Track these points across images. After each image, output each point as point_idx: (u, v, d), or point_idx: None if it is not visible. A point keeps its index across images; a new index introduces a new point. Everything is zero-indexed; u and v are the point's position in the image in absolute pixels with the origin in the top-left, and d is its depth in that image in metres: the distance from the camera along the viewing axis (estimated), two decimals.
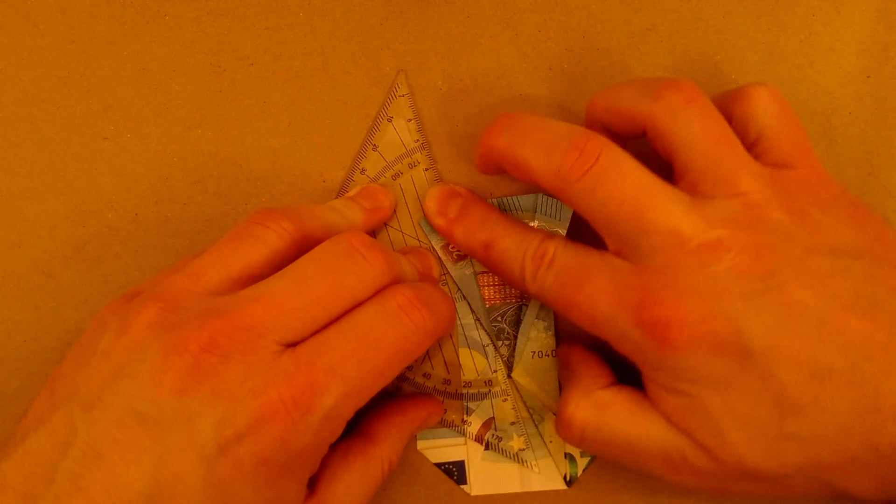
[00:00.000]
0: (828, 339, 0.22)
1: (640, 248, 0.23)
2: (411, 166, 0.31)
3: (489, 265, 0.28)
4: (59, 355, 0.30)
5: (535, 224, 0.29)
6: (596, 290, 0.24)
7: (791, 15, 0.32)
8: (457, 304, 0.30)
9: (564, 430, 0.26)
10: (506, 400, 0.29)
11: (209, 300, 0.23)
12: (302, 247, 0.25)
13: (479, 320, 0.30)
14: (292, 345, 0.22)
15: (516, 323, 0.30)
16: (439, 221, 0.29)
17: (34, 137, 0.31)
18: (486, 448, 0.29)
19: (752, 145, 0.26)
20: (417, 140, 0.31)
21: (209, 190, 0.31)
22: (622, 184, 0.23)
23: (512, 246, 0.27)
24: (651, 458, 0.25)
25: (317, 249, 0.24)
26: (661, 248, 0.23)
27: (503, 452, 0.29)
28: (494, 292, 0.30)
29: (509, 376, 0.30)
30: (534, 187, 0.29)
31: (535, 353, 0.30)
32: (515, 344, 0.30)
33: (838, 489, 0.23)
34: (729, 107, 0.26)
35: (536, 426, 0.29)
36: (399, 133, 0.31)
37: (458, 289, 0.30)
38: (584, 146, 0.24)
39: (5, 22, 0.31)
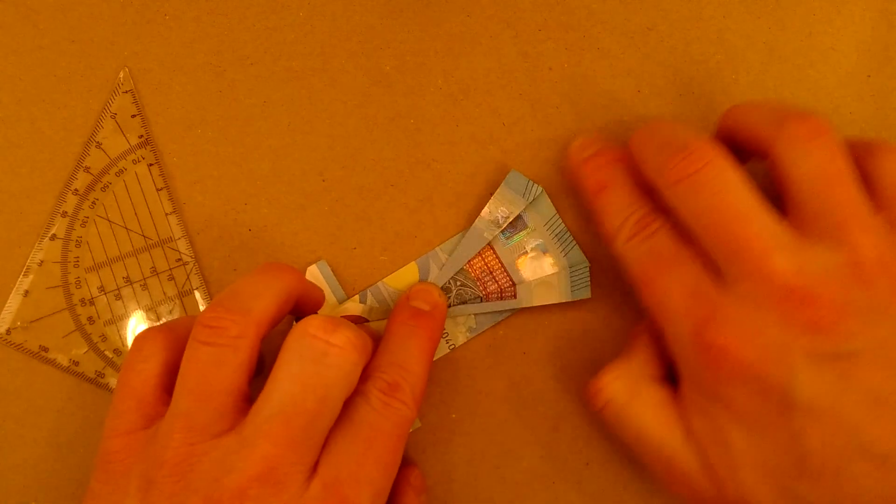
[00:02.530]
0: (881, 422, 0.21)
1: (727, 268, 0.23)
2: (135, 162, 0.31)
3: (594, 207, 0.27)
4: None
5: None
6: (675, 284, 0.24)
7: (791, 15, 0.32)
8: (451, 240, 0.30)
9: (592, 394, 0.26)
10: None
11: (216, 451, 0.22)
12: (262, 335, 0.25)
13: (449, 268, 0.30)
14: (314, 464, 0.23)
15: (460, 301, 0.30)
16: (575, 159, 0.28)
17: (34, 137, 0.31)
18: None
19: (870, 199, 0.24)
20: (141, 136, 0.31)
21: (209, 190, 0.31)
22: (723, 198, 0.22)
23: (622, 201, 0.26)
24: (656, 460, 0.25)
25: (284, 359, 0.23)
26: (747, 276, 0.22)
27: None
28: (480, 271, 0.30)
29: None
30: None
31: (444, 334, 0.30)
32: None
33: None
34: (859, 155, 0.24)
35: None
36: (123, 130, 0.31)
37: (464, 235, 0.30)
38: (693, 150, 0.23)
39: (5, 22, 0.31)
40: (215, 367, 0.23)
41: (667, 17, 0.32)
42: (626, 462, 0.30)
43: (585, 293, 0.30)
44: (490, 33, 0.32)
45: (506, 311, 0.30)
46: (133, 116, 0.31)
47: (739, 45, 0.31)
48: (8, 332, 0.30)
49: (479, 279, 0.30)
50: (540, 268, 0.30)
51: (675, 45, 0.31)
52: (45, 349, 0.30)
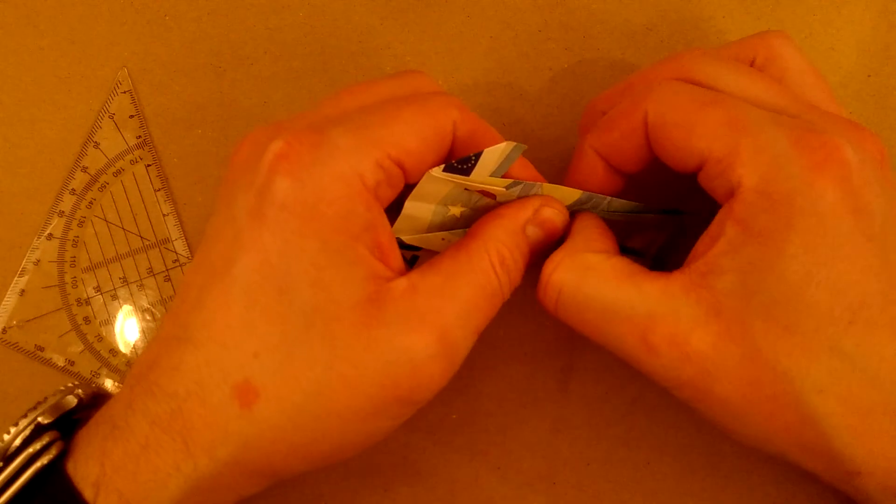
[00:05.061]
0: None
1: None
2: (133, 162, 0.31)
3: (591, 136, 0.25)
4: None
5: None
6: (734, 111, 0.22)
7: (791, 15, 0.32)
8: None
9: (541, 291, 0.24)
10: None
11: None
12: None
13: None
14: None
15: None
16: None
17: (34, 137, 0.31)
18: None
19: None
20: (140, 136, 0.31)
21: (209, 190, 0.31)
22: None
23: (616, 93, 0.26)
24: (628, 331, 0.22)
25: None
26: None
27: None
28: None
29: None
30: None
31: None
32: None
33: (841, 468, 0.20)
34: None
35: None
36: (121, 130, 0.31)
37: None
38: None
39: (5, 22, 0.31)
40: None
41: (666, 18, 0.32)
42: (626, 463, 0.30)
43: None
44: (490, 33, 0.32)
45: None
46: (131, 117, 0.31)
47: None
48: (4, 331, 0.30)
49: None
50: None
51: (674, 45, 0.31)
52: (41, 348, 0.30)
